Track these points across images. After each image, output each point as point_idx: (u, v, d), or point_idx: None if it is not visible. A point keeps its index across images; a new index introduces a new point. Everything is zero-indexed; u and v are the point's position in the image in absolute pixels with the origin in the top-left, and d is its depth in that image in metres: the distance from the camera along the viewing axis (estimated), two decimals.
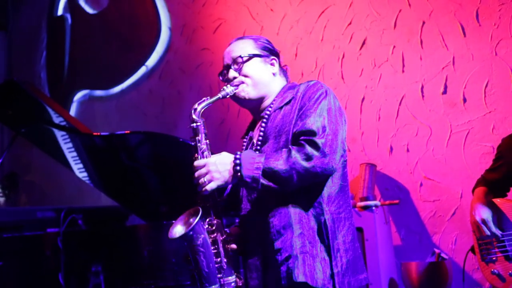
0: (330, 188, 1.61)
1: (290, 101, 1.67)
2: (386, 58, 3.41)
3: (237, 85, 1.73)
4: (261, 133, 1.68)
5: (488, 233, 2.17)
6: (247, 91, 1.72)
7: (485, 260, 2.21)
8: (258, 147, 1.67)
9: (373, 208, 3.02)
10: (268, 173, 1.53)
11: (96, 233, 2.77)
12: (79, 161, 3.32)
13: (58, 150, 3.29)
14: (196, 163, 1.61)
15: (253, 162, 1.55)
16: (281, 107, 1.68)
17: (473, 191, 2.41)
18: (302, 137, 1.56)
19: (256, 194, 1.66)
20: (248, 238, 1.68)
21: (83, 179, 3.47)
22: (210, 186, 1.57)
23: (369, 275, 2.94)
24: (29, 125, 3.18)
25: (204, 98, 1.71)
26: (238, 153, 1.58)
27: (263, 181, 1.53)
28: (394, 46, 3.39)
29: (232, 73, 1.74)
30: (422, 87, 3.28)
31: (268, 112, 1.71)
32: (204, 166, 1.58)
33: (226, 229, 1.65)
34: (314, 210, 1.58)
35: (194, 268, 1.60)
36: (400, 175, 3.31)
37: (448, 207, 3.16)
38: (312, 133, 1.55)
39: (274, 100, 1.73)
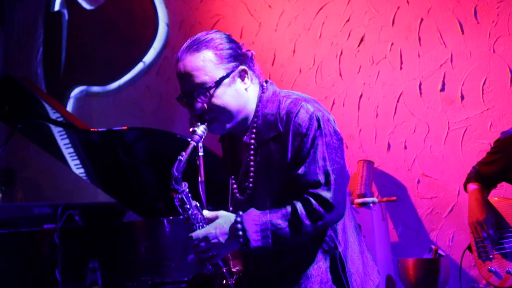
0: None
1: (278, 136, 1.45)
2: (384, 55, 3.40)
3: (209, 121, 1.46)
4: (252, 169, 1.48)
5: (485, 235, 2.17)
6: (222, 127, 1.48)
7: (482, 258, 2.21)
8: (251, 186, 1.49)
9: (371, 204, 3.03)
10: (277, 240, 1.40)
11: (93, 229, 2.76)
12: (76, 157, 3.31)
13: (55, 146, 3.28)
14: (194, 236, 1.43)
15: (259, 230, 1.39)
16: (268, 142, 1.46)
17: (465, 185, 2.41)
18: (305, 190, 1.40)
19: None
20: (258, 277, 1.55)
21: (80, 175, 3.46)
22: (215, 260, 1.46)
23: None
24: (25, 121, 3.17)
25: (179, 157, 1.44)
26: (238, 219, 1.41)
27: (273, 247, 1.40)
28: (392, 43, 3.38)
29: (198, 105, 1.45)
30: (420, 84, 3.28)
31: (253, 142, 1.48)
32: (203, 239, 1.43)
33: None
34: (326, 245, 1.47)
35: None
36: (397, 172, 3.31)
37: (445, 204, 3.16)
38: (317, 184, 1.39)
39: (254, 121, 1.49)
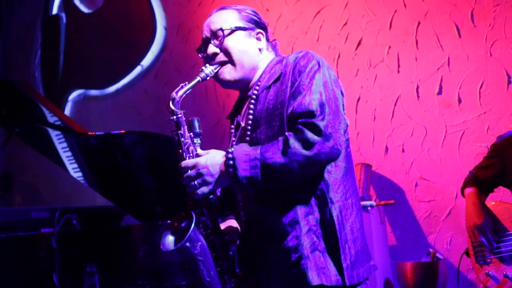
0: (334, 173, 1.43)
1: (279, 77, 1.48)
2: (382, 59, 3.41)
3: (218, 64, 1.52)
4: (250, 116, 1.49)
5: (483, 239, 2.17)
6: (230, 71, 1.52)
7: (479, 262, 2.22)
8: (248, 133, 1.48)
9: (369, 208, 3.03)
10: (267, 170, 1.34)
11: (91, 233, 2.76)
12: (73, 161, 3.31)
13: (52, 150, 3.27)
14: (184, 164, 1.42)
15: (248, 160, 1.35)
16: (269, 86, 1.49)
17: (462, 189, 2.41)
18: (299, 120, 1.37)
19: (252, 193, 1.48)
20: (249, 237, 1.51)
21: (78, 179, 3.45)
22: (202, 191, 1.40)
23: None
24: (23, 124, 3.16)
25: (182, 84, 1.50)
26: (230, 150, 1.39)
27: (262, 180, 1.35)
28: (389, 47, 3.39)
29: (211, 49, 1.53)
30: (417, 87, 3.29)
31: (255, 92, 1.51)
32: (193, 167, 1.40)
33: (222, 229, 1.49)
34: (317, 200, 1.41)
35: (193, 278, 1.44)
36: (395, 175, 3.32)
37: (443, 207, 3.17)
38: (310, 114, 1.36)
39: (261, 77, 1.53)
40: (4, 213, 3.37)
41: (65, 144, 3.21)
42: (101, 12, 4.80)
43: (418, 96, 3.28)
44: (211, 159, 1.41)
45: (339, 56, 3.57)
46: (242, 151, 1.39)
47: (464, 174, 2.96)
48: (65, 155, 3.29)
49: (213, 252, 1.44)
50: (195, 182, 1.40)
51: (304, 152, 1.34)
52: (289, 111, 1.41)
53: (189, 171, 1.41)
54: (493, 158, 2.33)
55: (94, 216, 3.22)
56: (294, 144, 1.34)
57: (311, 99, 1.38)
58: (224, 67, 1.53)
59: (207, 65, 1.53)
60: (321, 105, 1.38)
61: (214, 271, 1.43)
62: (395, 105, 3.35)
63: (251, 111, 1.50)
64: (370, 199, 3.14)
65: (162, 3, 4.49)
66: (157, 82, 4.42)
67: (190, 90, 1.50)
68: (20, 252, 2.77)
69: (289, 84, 1.44)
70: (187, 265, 1.43)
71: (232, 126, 1.61)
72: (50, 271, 2.60)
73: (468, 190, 2.35)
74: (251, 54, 1.54)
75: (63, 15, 5.04)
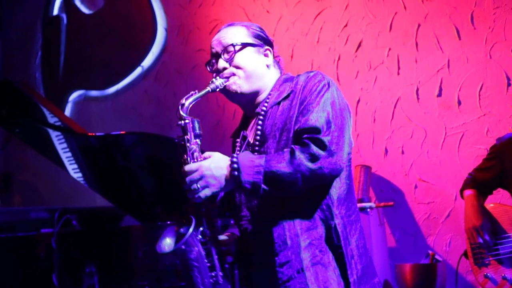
0: (339, 188, 1.46)
1: (289, 95, 1.52)
2: (382, 61, 3.42)
3: (228, 77, 1.56)
4: (259, 132, 1.52)
5: (481, 241, 2.17)
6: (239, 84, 1.56)
7: (478, 264, 2.22)
8: (257, 148, 1.51)
9: (368, 210, 3.03)
10: (270, 177, 1.36)
11: (91, 234, 2.76)
12: (73, 162, 3.31)
13: (52, 151, 3.28)
14: (187, 167, 1.41)
15: (253, 166, 1.37)
16: (279, 102, 1.52)
17: (461, 191, 2.41)
18: (305, 135, 1.40)
19: (256, 200, 1.49)
20: (250, 249, 1.52)
21: (78, 179, 3.45)
22: (204, 193, 1.39)
23: None
24: (23, 125, 3.17)
25: (192, 92, 1.54)
26: (235, 155, 1.41)
27: (264, 186, 1.36)
28: (389, 49, 3.40)
29: (222, 63, 1.57)
30: (417, 89, 3.29)
31: (264, 108, 1.54)
32: (196, 170, 1.40)
33: (220, 238, 1.49)
34: (322, 214, 1.43)
35: (187, 285, 1.42)
36: (395, 177, 3.32)
37: (442, 209, 3.17)
38: (316, 130, 1.39)
39: (270, 94, 1.57)
40: (3, 213, 3.38)
41: (65, 145, 3.22)
42: (102, 13, 4.81)
43: (418, 98, 3.29)
44: (215, 163, 1.42)
45: (339, 58, 3.58)
46: (247, 157, 1.41)
47: (464, 176, 2.96)
48: (65, 156, 3.30)
49: (208, 260, 1.43)
50: (197, 185, 1.40)
51: (309, 164, 1.36)
52: (296, 127, 1.45)
53: (193, 175, 1.41)
54: (492, 160, 2.33)
55: (94, 217, 3.22)
56: (300, 156, 1.37)
57: (318, 117, 1.42)
58: (233, 80, 1.57)
59: (217, 77, 1.57)
60: (328, 123, 1.41)
61: (208, 280, 1.42)
62: (395, 107, 3.35)
63: (259, 127, 1.53)
64: (369, 201, 3.14)
65: (163, 4, 4.50)
66: (157, 83, 4.43)
67: (199, 99, 1.54)
68: (20, 253, 2.77)
69: (299, 102, 1.48)
70: (182, 271, 1.43)
71: (238, 140, 1.63)
72: (50, 272, 2.60)
73: (467, 192, 2.35)
74: (259, 70, 1.59)
75: (64, 16, 5.05)
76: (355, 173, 3.28)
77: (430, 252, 2.97)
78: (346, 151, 1.42)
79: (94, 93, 4.81)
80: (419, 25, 3.31)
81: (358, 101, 3.48)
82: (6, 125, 3.23)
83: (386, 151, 3.36)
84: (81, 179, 3.44)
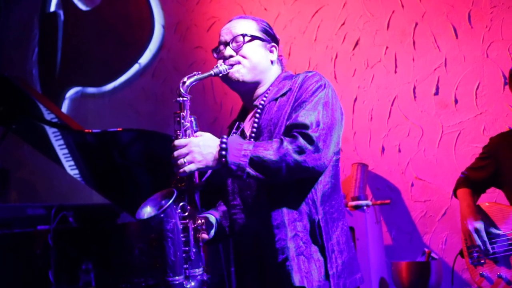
0: (324, 186, 1.53)
1: (286, 92, 1.58)
2: (379, 59, 3.42)
3: (232, 65, 1.60)
4: (255, 125, 1.58)
5: (479, 242, 2.17)
6: (242, 73, 1.60)
7: (473, 263, 2.22)
8: (252, 140, 1.55)
9: (365, 207, 3.04)
10: (256, 162, 1.41)
11: (87, 231, 2.76)
12: (70, 158, 3.30)
13: (49, 147, 3.27)
14: (177, 142, 1.46)
15: (241, 149, 1.42)
16: (277, 99, 1.58)
17: (454, 191, 2.41)
18: (295, 129, 1.47)
19: (249, 191, 1.55)
20: (241, 236, 1.59)
21: (75, 176, 3.45)
22: (189, 168, 1.43)
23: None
24: (20, 121, 3.16)
25: (195, 73, 1.58)
26: (225, 136, 1.46)
27: (249, 170, 1.42)
28: (387, 47, 3.40)
29: (229, 51, 1.61)
30: (414, 88, 3.30)
31: (262, 102, 1.60)
32: (185, 145, 1.45)
33: (199, 216, 1.52)
34: (307, 208, 1.50)
35: (159, 254, 1.45)
36: (391, 175, 3.33)
37: (438, 207, 3.18)
38: (305, 126, 1.46)
39: (269, 89, 1.63)
40: (0, 209, 3.37)
41: (62, 142, 3.21)
42: (99, 9, 4.80)
43: (415, 97, 3.29)
44: (205, 141, 1.47)
45: (336, 56, 3.58)
46: (237, 140, 1.47)
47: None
48: (62, 153, 3.29)
49: (183, 235, 1.47)
50: (184, 159, 1.44)
51: (295, 156, 1.42)
52: (288, 122, 1.52)
53: (181, 149, 1.45)
54: (486, 160, 2.33)
55: (90, 214, 3.22)
56: (288, 146, 1.43)
57: (309, 114, 1.48)
58: (237, 68, 1.61)
59: (221, 63, 1.61)
60: (317, 122, 1.48)
61: (181, 253, 1.45)
62: (392, 105, 3.36)
63: (256, 120, 1.58)
64: (366, 199, 3.15)
65: (160, 1, 4.49)
66: (155, 80, 4.42)
67: (201, 80, 1.58)
68: (16, 249, 2.77)
69: (294, 99, 1.55)
70: (156, 241, 1.45)
71: (234, 131, 1.67)
72: (46, 268, 2.60)
73: (461, 192, 2.35)
74: (263, 63, 1.64)
75: (61, 12, 5.03)
76: (352, 170, 3.28)
77: (426, 250, 2.98)
78: (332, 150, 1.49)
79: (91, 90, 4.80)
80: (416, 24, 3.31)
81: (355, 99, 3.48)
82: (2, 121, 3.22)
83: (383, 149, 3.37)
84: (78, 176, 3.43)
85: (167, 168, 1.68)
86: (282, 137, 1.47)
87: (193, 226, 1.49)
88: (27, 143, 3.62)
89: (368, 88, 3.45)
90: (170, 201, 1.43)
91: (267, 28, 1.69)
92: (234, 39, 1.62)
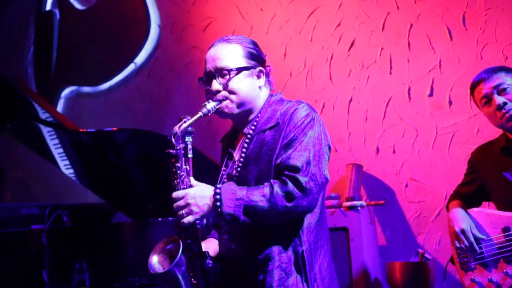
0: (310, 218, 1.59)
1: (275, 126, 1.60)
2: (374, 60, 3.43)
3: (220, 100, 1.62)
4: (243, 155, 1.62)
5: (467, 243, 2.19)
6: (231, 107, 1.62)
7: (464, 269, 2.23)
8: (239, 169, 1.61)
9: (359, 208, 3.05)
10: (249, 210, 1.49)
11: (81, 230, 2.76)
12: (65, 158, 3.30)
13: (44, 147, 3.27)
14: (174, 194, 1.54)
15: (234, 199, 1.49)
16: (265, 130, 1.61)
17: (447, 206, 2.43)
18: (285, 172, 1.51)
19: (236, 228, 1.61)
20: (228, 269, 1.65)
21: (70, 176, 3.45)
22: (187, 220, 1.52)
23: (353, 274, 2.97)
24: (15, 120, 3.15)
25: (184, 119, 1.59)
26: (218, 186, 1.53)
27: (243, 218, 1.49)
28: (382, 48, 3.42)
29: (216, 86, 1.62)
30: (409, 89, 3.31)
31: (251, 132, 1.63)
32: (182, 198, 1.52)
33: (206, 252, 1.60)
34: (292, 241, 1.56)
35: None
36: (386, 176, 3.34)
37: (432, 208, 3.19)
38: (295, 169, 1.50)
39: (258, 115, 1.65)
40: None
41: (56, 141, 3.21)
42: (95, 9, 4.79)
43: (409, 98, 3.31)
44: (200, 192, 1.53)
45: (332, 57, 3.59)
46: (230, 189, 1.52)
47: (454, 176, 2.99)
48: (57, 152, 3.29)
49: (192, 273, 1.57)
50: (183, 211, 1.52)
51: (285, 203, 1.48)
52: (278, 160, 1.55)
53: (179, 201, 1.53)
54: (471, 174, 2.35)
55: (85, 213, 3.22)
56: (278, 193, 1.49)
57: (300, 155, 1.52)
58: (226, 103, 1.62)
59: (209, 100, 1.62)
60: (307, 163, 1.51)
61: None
62: (386, 106, 3.37)
63: (244, 149, 1.62)
64: (360, 199, 3.16)
65: (156, 1, 4.49)
66: (150, 80, 4.42)
67: (191, 124, 1.59)
68: (10, 249, 2.76)
69: (283, 135, 1.57)
70: (168, 281, 1.57)
71: (226, 155, 1.73)
72: (40, 268, 2.60)
73: (452, 203, 2.37)
74: (252, 93, 1.64)
75: (57, 11, 5.02)
76: (347, 171, 3.29)
77: (420, 250, 2.99)
78: (321, 188, 1.55)
79: (86, 89, 4.79)
80: (411, 25, 3.33)
81: (350, 100, 3.49)
82: None
83: (378, 150, 3.38)
84: (73, 175, 3.43)
85: (161, 167, 1.69)
86: (272, 181, 1.51)
87: (200, 264, 1.58)
88: (22, 142, 3.62)
89: (363, 88, 3.46)
90: (179, 253, 1.52)
91: (253, 51, 1.67)
92: (219, 72, 1.61)
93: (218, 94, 1.62)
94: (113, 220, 3.45)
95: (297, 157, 1.51)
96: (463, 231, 2.19)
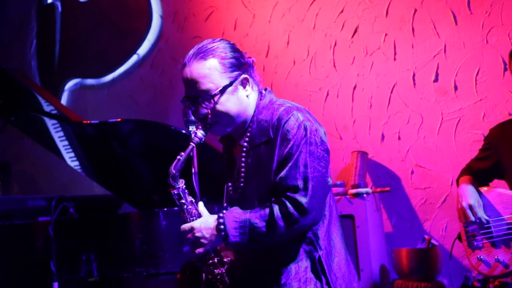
0: (321, 224, 1.56)
1: (268, 141, 1.53)
2: (378, 46, 3.40)
3: (210, 125, 1.55)
4: (243, 169, 1.58)
5: (473, 218, 2.18)
6: (223, 129, 1.57)
7: (471, 246, 2.23)
8: (242, 185, 1.58)
9: (365, 195, 3.04)
10: (254, 237, 1.49)
11: (88, 222, 2.77)
12: (70, 150, 3.31)
13: (49, 139, 3.27)
14: (182, 228, 1.57)
15: (238, 227, 1.49)
16: (259, 145, 1.55)
17: (457, 180, 2.42)
18: (285, 192, 1.47)
19: None
20: (240, 280, 1.63)
21: (75, 168, 3.45)
22: (198, 251, 1.55)
23: (360, 261, 2.97)
24: (19, 113, 3.16)
25: (178, 157, 1.55)
26: (221, 215, 1.51)
27: (249, 243, 1.50)
28: (386, 34, 3.38)
29: (203, 111, 1.53)
30: (414, 75, 3.29)
31: (246, 145, 1.58)
32: (190, 231, 1.55)
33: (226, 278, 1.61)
34: (307, 247, 1.54)
35: None
36: (391, 162, 3.33)
37: (438, 194, 3.18)
38: (294, 188, 1.46)
39: (250, 126, 1.58)
40: (1, 201, 3.38)
41: (61, 133, 3.21)
42: (97, 0, 4.77)
43: (414, 84, 3.28)
44: (204, 223, 1.54)
45: (335, 44, 3.56)
46: (232, 217, 1.51)
47: (460, 161, 2.97)
48: (62, 144, 3.30)
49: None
50: (193, 243, 1.56)
51: (287, 227, 1.47)
52: (276, 178, 1.50)
53: (188, 235, 1.56)
54: (487, 151, 2.33)
55: (91, 205, 3.23)
56: (279, 217, 1.46)
57: (296, 173, 1.47)
58: (216, 126, 1.57)
59: (199, 128, 1.56)
60: (305, 181, 1.47)
61: None
62: (391, 92, 3.35)
63: (243, 164, 1.58)
64: (366, 186, 3.15)
65: None
66: (153, 71, 4.41)
67: (186, 159, 1.57)
68: (17, 241, 2.78)
69: (277, 153, 1.51)
70: None
71: (228, 159, 1.70)
72: (47, 259, 2.61)
73: (462, 179, 2.36)
74: (241, 108, 1.56)
75: (59, 3, 5.00)
76: (352, 158, 3.28)
77: (426, 236, 2.99)
78: (323, 201, 1.52)
79: (90, 81, 4.79)
80: (415, 10, 3.29)
81: (355, 87, 3.47)
82: (1, 113, 3.22)
83: (383, 136, 3.37)
84: (78, 167, 3.44)
85: (166, 157, 1.69)
86: (273, 204, 1.48)
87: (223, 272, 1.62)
88: (27, 135, 3.63)
89: (368, 75, 3.43)
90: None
91: (231, 60, 1.53)
92: (202, 98, 1.51)
93: (207, 119, 1.54)
94: (119, 211, 3.47)
95: (294, 176, 1.47)
96: (470, 207, 2.18)
